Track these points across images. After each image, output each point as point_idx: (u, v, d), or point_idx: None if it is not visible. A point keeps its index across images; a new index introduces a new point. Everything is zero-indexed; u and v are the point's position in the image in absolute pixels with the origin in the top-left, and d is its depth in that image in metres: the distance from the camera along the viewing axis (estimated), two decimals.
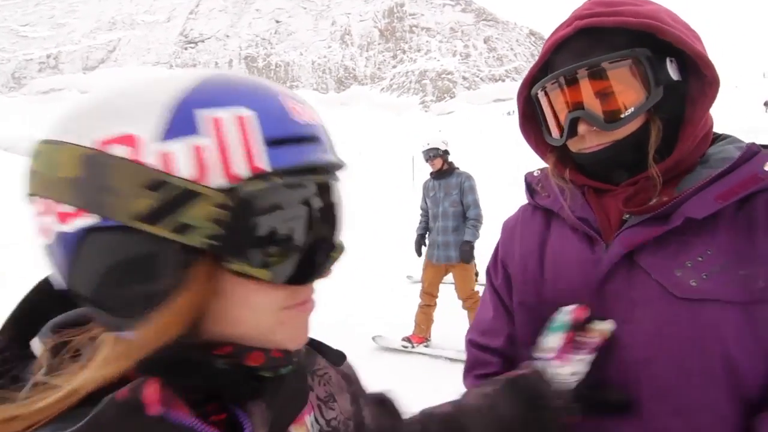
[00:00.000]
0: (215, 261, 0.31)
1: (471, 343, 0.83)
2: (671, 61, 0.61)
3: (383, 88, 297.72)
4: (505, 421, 0.55)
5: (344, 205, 0.39)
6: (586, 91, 0.63)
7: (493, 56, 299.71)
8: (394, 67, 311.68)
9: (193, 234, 0.30)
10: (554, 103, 0.67)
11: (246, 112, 0.32)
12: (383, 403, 0.56)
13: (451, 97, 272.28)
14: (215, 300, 0.33)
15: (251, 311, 0.34)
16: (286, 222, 0.34)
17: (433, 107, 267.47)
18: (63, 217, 0.31)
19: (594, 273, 0.64)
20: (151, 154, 0.30)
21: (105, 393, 0.29)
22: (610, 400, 0.58)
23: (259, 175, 0.32)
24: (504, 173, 19.51)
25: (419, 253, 4.11)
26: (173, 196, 0.30)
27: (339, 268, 7.18)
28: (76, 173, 0.30)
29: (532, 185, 0.80)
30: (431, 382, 2.82)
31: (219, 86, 0.33)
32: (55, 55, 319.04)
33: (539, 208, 0.78)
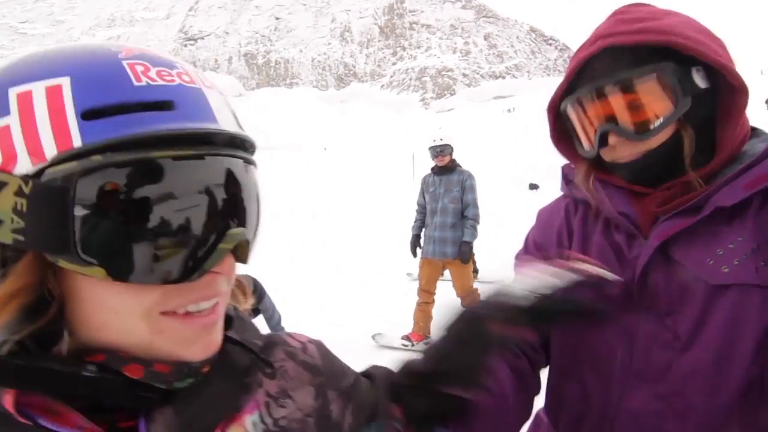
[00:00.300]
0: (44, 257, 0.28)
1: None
2: (698, 70, 0.64)
3: (383, 86, 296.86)
4: (445, 342, 0.55)
5: (246, 186, 0.34)
6: (616, 104, 0.66)
7: (494, 53, 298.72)
8: (394, 64, 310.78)
9: (2, 229, 0.27)
10: (584, 118, 0.70)
11: (58, 81, 0.28)
12: (370, 378, 0.53)
13: (452, 95, 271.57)
14: (74, 301, 0.30)
15: (115, 315, 0.31)
16: (116, 210, 0.28)
17: (433, 104, 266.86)
18: None
19: (633, 268, 0.67)
20: None
21: None
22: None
23: (70, 155, 0.27)
24: (504, 171, 19.48)
25: (415, 254, 4.11)
26: None
27: (339, 265, 7.33)
28: None
29: (569, 177, 0.82)
30: None
31: (40, 58, 0.29)
32: None
33: (576, 200, 0.79)
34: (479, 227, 3.85)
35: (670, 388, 0.62)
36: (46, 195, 0.27)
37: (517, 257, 0.87)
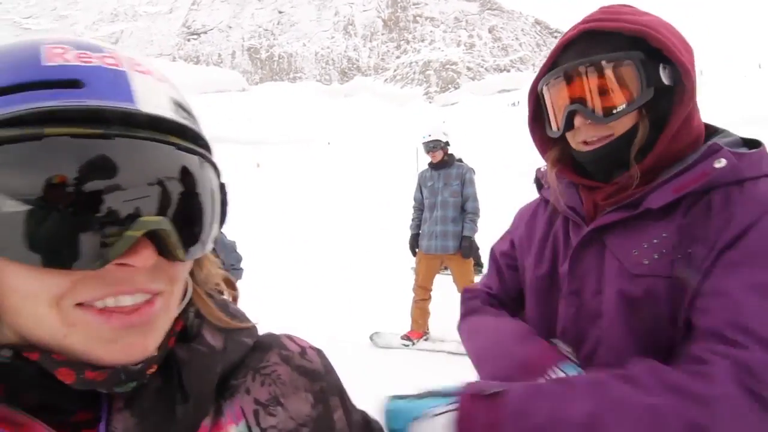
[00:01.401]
0: None
1: (464, 292, 0.98)
2: (664, 67, 0.68)
3: (387, 79, 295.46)
4: None
5: (152, 170, 0.30)
6: (584, 86, 0.70)
7: (498, 46, 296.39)
8: (398, 57, 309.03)
9: None
10: (556, 98, 0.75)
11: None
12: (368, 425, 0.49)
13: (456, 88, 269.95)
14: None
15: (25, 300, 0.29)
16: (9, 186, 0.27)
17: (437, 98, 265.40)
18: None
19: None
20: None
21: None
22: None
23: None
24: (511, 164, 19.35)
25: (414, 253, 4.02)
26: None
27: (343, 260, 7.32)
28: None
29: (540, 179, 0.90)
30: (433, 377, 2.97)
31: None
32: None
33: (546, 201, 0.88)
34: (480, 221, 3.77)
35: (599, 364, 0.69)
36: None
37: (493, 248, 0.99)
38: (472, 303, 0.93)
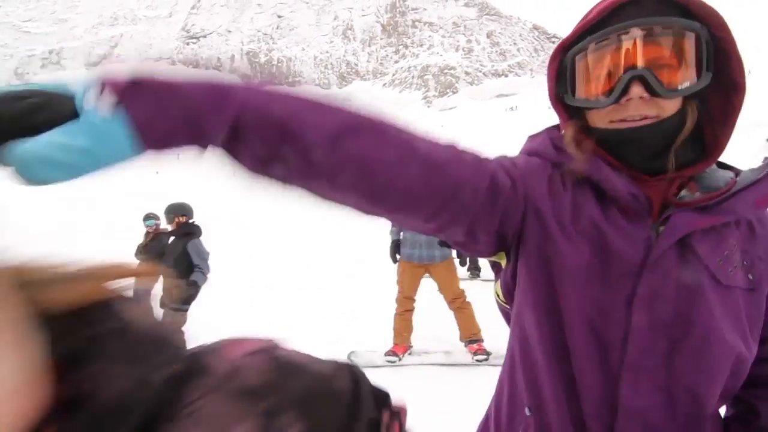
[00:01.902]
0: None
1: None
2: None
3: (385, 84, 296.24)
4: None
5: None
6: (653, 51, 0.59)
7: (496, 51, 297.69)
8: (397, 62, 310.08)
9: None
10: (604, 60, 0.62)
11: None
12: None
13: (454, 93, 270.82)
14: None
15: None
16: None
17: (435, 102, 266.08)
18: None
19: (643, 250, 0.63)
20: None
21: None
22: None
23: None
24: None
25: (395, 260, 3.78)
26: None
27: (337, 268, 7.19)
28: None
29: (557, 143, 0.71)
30: (429, 393, 2.71)
31: None
32: (58, 51, 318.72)
33: (559, 166, 0.70)
34: None
35: (671, 379, 0.61)
36: None
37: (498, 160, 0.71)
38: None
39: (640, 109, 0.60)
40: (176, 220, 3.76)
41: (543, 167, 0.71)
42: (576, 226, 0.66)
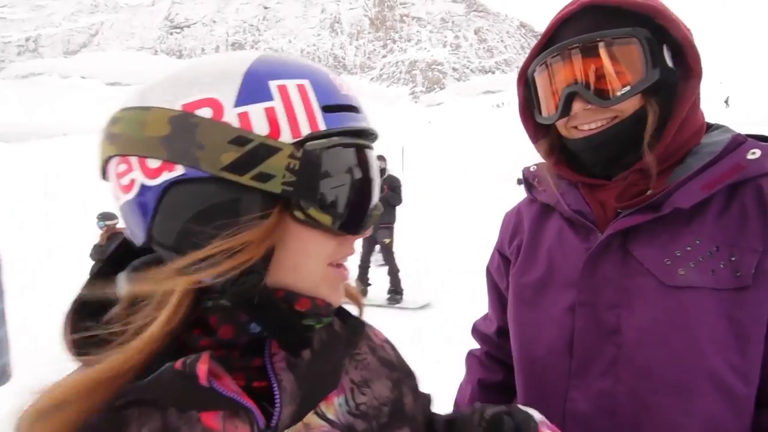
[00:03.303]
0: (285, 209, 0.37)
1: (473, 328, 0.92)
2: (668, 48, 0.62)
3: (373, 78, 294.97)
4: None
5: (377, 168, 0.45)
6: (585, 66, 0.63)
7: (484, 48, 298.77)
8: (384, 56, 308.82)
9: (273, 182, 0.35)
10: (552, 79, 0.67)
11: (304, 82, 0.38)
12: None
13: (441, 88, 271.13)
14: (278, 248, 0.38)
15: (306, 259, 0.39)
16: (342, 176, 0.39)
17: (422, 98, 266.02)
18: (148, 172, 0.36)
19: (582, 260, 0.66)
20: (231, 115, 0.36)
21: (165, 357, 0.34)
22: None
23: (317, 134, 0.37)
24: (494, 166, 19.52)
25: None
26: (254, 149, 0.35)
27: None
28: (165, 132, 0.35)
29: (528, 180, 0.81)
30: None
31: (279, 61, 0.40)
32: (35, 39, 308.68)
33: (537, 202, 0.79)
34: (463, 224, 3.75)
35: (619, 385, 0.61)
36: (308, 158, 0.36)
37: (487, 268, 0.89)
38: (469, 361, 0.88)
39: (589, 117, 0.64)
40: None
41: (512, 214, 0.85)
42: (532, 250, 0.74)
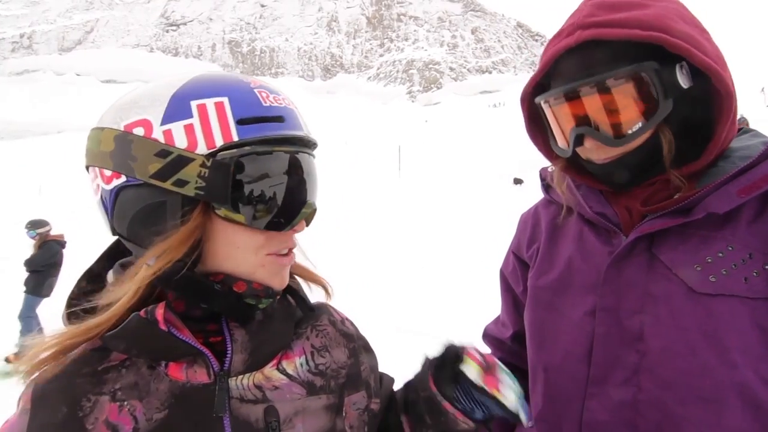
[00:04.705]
0: (207, 208, 0.45)
1: (485, 333, 0.89)
2: (681, 66, 0.59)
3: (370, 77, 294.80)
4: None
5: (316, 173, 0.52)
6: (591, 106, 0.61)
7: (481, 47, 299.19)
8: (381, 55, 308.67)
9: (188, 187, 0.44)
10: (559, 116, 0.66)
11: (223, 99, 0.46)
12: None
13: (438, 88, 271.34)
14: (210, 240, 0.46)
15: (236, 249, 0.47)
16: (256, 178, 0.46)
17: (419, 97, 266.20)
18: (105, 179, 0.47)
19: (604, 264, 0.63)
20: (158, 133, 0.45)
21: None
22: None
23: (230, 144, 0.45)
24: (489, 165, 19.59)
25: None
26: (173, 160, 0.44)
27: (324, 261, 7.30)
28: (111, 148, 0.45)
29: (546, 181, 0.79)
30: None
31: (208, 81, 0.47)
32: (29, 35, 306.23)
33: (554, 203, 0.77)
34: (460, 224, 3.66)
35: (641, 395, 0.58)
36: (217, 166, 0.44)
37: (501, 271, 0.87)
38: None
39: (602, 154, 0.63)
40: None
41: (529, 216, 0.83)
42: (550, 253, 0.73)
